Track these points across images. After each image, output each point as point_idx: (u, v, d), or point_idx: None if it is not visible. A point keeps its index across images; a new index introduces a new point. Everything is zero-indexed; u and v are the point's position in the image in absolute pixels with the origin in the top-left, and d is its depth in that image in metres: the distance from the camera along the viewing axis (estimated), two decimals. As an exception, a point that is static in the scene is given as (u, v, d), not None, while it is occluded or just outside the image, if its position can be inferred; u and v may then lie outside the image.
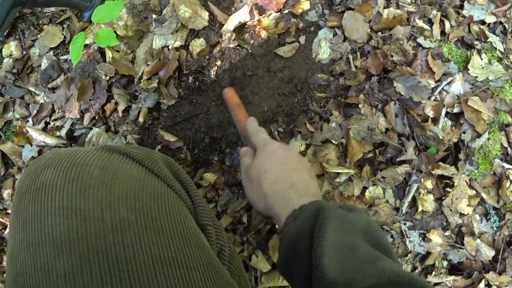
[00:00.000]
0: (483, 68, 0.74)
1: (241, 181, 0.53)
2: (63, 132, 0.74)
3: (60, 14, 0.81)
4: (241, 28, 0.73)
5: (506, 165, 0.72)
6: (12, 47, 0.80)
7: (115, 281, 0.30)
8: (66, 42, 0.79)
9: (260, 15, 0.72)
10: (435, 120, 0.70)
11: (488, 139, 0.72)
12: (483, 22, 0.79)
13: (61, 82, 0.76)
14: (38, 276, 0.30)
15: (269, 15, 0.72)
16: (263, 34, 0.72)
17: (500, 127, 0.73)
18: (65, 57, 0.79)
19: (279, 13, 0.73)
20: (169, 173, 0.42)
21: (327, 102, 0.71)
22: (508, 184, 0.72)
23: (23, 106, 0.78)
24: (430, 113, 0.69)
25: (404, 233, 0.69)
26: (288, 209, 0.41)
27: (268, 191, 0.45)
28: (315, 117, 0.70)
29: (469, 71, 0.73)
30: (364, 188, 0.68)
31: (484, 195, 0.72)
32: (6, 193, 0.76)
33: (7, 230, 0.75)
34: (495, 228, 0.72)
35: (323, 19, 0.75)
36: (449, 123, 0.71)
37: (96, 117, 0.73)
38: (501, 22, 0.79)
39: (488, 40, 0.76)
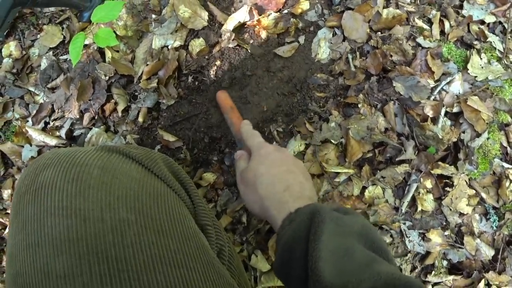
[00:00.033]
0: (482, 67, 0.74)
1: (237, 185, 0.53)
2: (62, 132, 0.74)
3: (60, 14, 0.81)
4: (240, 28, 0.73)
5: (506, 165, 0.72)
6: (11, 47, 0.80)
7: (114, 282, 0.30)
8: (65, 42, 0.79)
9: (260, 15, 0.72)
10: (435, 120, 0.70)
11: (488, 138, 0.72)
12: (482, 22, 0.79)
13: (61, 82, 0.76)
14: (37, 277, 0.30)
15: (269, 15, 0.72)
16: (263, 34, 0.72)
17: (499, 127, 0.73)
18: (64, 57, 0.79)
19: (278, 13, 0.73)
20: (169, 173, 0.42)
21: (326, 102, 0.71)
22: (507, 183, 0.72)
23: (23, 106, 0.78)
24: (429, 112, 0.69)
25: (404, 232, 0.69)
26: (284, 212, 0.41)
27: (264, 194, 0.45)
28: (315, 117, 0.70)
29: (468, 71, 0.73)
30: (364, 188, 0.68)
31: (483, 195, 0.72)
32: (5, 193, 0.76)
33: (7, 230, 0.75)
34: (494, 228, 0.72)
35: (323, 19, 0.75)
36: (449, 122, 0.71)
37: (96, 117, 0.73)
38: (500, 22, 0.79)
39: (487, 40, 0.76)
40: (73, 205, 0.32)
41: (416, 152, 0.69)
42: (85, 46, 0.76)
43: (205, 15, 0.73)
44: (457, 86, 0.72)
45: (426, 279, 0.70)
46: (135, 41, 0.75)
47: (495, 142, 0.72)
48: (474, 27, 0.77)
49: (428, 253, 0.70)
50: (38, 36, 0.80)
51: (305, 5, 0.73)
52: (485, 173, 0.72)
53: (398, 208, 0.69)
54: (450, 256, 0.70)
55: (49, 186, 0.34)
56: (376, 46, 0.72)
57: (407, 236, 0.69)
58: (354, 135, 0.67)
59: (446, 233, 0.71)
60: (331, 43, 0.73)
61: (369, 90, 0.70)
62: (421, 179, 0.69)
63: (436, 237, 0.69)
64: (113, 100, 0.73)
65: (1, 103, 0.78)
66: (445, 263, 0.71)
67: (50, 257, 0.30)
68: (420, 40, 0.74)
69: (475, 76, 0.73)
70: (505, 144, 0.73)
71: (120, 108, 0.72)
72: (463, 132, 0.71)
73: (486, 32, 0.77)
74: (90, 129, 0.73)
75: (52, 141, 0.73)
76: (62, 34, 0.79)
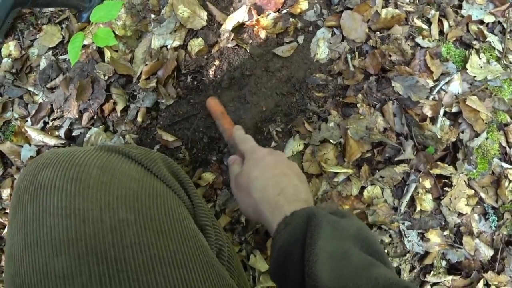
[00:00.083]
0: (481, 67, 0.74)
1: (231, 190, 0.53)
2: (61, 131, 0.74)
3: (59, 14, 0.81)
4: (239, 28, 0.73)
5: (505, 165, 0.72)
6: (11, 47, 0.80)
7: (114, 282, 0.30)
8: (65, 42, 0.79)
9: (259, 15, 0.72)
10: (433, 120, 0.70)
11: (487, 138, 0.72)
12: (481, 22, 0.79)
13: (60, 82, 0.76)
14: (36, 277, 0.30)
15: (268, 15, 0.72)
16: (262, 34, 0.72)
17: (498, 127, 0.73)
18: (64, 57, 0.79)
19: (277, 13, 0.73)
20: (168, 173, 0.42)
21: (325, 101, 0.71)
22: (506, 183, 0.72)
23: (22, 106, 0.78)
24: (428, 112, 0.69)
25: (403, 232, 0.69)
26: (279, 216, 0.41)
27: (258, 198, 0.45)
28: (313, 117, 0.70)
29: (467, 71, 0.73)
30: (363, 188, 0.68)
31: (482, 195, 0.72)
32: (4, 192, 0.76)
33: (5, 229, 0.75)
34: (493, 228, 0.72)
35: (322, 19, 0.75)
36: (448, 122, 0.71)
37: (95, 117, 0.73)
38: (499, 22, 0.79)
39: (486, 39, 0.76)
40: (72, 205, 0.32)
41: (415, 152, 0.69)
42: (84, 46, 0.76)
43: (204, 15, 0.73)
44: (456, 86, 0.72)
45: (425, 279, 0.70)
46: (134, 41, 0.76)
47: (494, 142, 0.72)
48: (473, 27, 0.77)
49: (427, 253, 0.70)
50: (38, 36, 0.80)
51: (304, 5, 0.73)
52: (484, 173, 0.72)
53: (397, 208, 0.69)
54: (449, 256, 0.70)
55: (48, 186, 0.33)
56: (375, 46, 0.72)
57: (406, 236, 0.69)
58: (353, 135, 0.67)
59: (445, 233, 0.71)
60: (330, 43, 0.73)
61: (368, 90, 0.70)
62: (420, 179, 0.69)
63: (435, 237, 0.69)
64: (112, 100, 0.73)
65: (1, 103, 0.78)
66: (444, 263, 0.71)
67: (49, 257, 0.30)
68: (419, 40, 0.74)
69: (474, 76, 0.73)
70: (504, 144, 0.73)
71: (119, 108, 0.72)
72: (462, 132, 0.71)
73: (485, 32, 0.77)
74: (89, 129, 0.73)
75: (51, 141, 0.73)
76: (61, 34, 0.79)
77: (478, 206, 0.72)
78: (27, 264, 0.31)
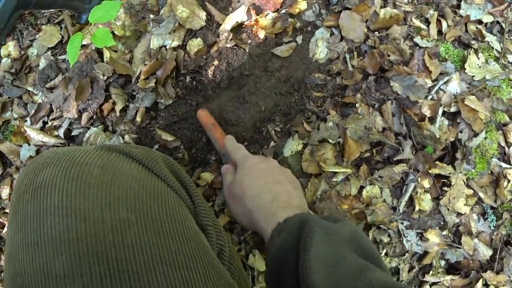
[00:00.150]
0: (480, 67, 0.74)
1: (225, 199, 0.53)
2: (61, 131, 0.74)
3: (58, 15, 0.81)
4: (238, 28, 0.73)
5: (504, 165, 0.72)
6: (10, 47, 0.80)
7: (115, 282, 0.30)
8: (64, 42, 0.79)
9: (258, 15, 0.72)
10: (432, 119, 0.70)
11: (485, 138, 0.72)
12: (480, 22, 0.79)
13: (59, 82, 0.76)
14: (37, 276, 0.30)
15: (267, 15, 0.72)
16: (261, 34, 0.73)
17: (497, 126, 0.73)
18: (63, 57, 0.79)
19: (276, 13, 0.73)
20: (169, 172, 0.42)
21: (324, 101, 0.71)
22: (505, 183, 0.72)
23: (21, 106, 0.78)
24: (427, 112, 0.70)
25: (401, 232, 0.69)
26: (273, 223, 0.41)
27: (251, 206, 0.45)
28: (312, 117, 0.70)
29: (466, 71, 0.73)
30: (361, 188, 0.68)
31: (481, 195, 0.72)
32: (4, 192, 0.76)
33: (5, 229, 0.75)
34: (492, 228, 0.72)
35: (320, 18, 0.75)
36: (446, 122, 0.71)
37: (94, 117, 0.73)
38: (498, 22, 0.79)
39: (485, 39, 0.76)
40: (73, 205, 0.32)
41: (414, 151, 0.69)
42: (84, 46, 0.76)
43: (203, 15, 0.73)
44: (455, 85, 0.72)
45: (424, 279, 0.70)
46: (133, 41, 0.76)
47: (493, 142, 0.72)
48: (472, 27, 0.78)
49: (426, 253, 0.70)
50: (37, 36, 0.80)
51: (302, 5, 0.74)
52: (483, 172, 0.72)
53: (395, 208, 0.69)
54: (448, 256, 0.70)
55: (48, 186, 0.33)
56: (374, 45, 0.72)
57: (405, 236, 0.69)
58: (351, 135, 0.67)
59: (444, 233, 0.71)
60: (329, 43, 0.73)
61: (367, 89, 0.70)
62: (419, 179, 0.69)
63: (434, 237, 0.69)
64: (111, 100, 0.73)
65: (0, 103, 0.78)
66: (443, 263, 0.71)
67: (49, 257, 0.30)
68: (417, 39, 0.74)
69: (473, 76, 0.73)
70: (502, 143, 0.73)
71: (118, 107, 0.72)
72: (461, 132, 0.71)
73: (484, 31, 0.77)
74: (88, 128, 0.73)
75: (51, 141, 0.74)
76: (61, 34, 0.79)
77: (477, 206, 0.72)
78: (27, 264, 0.31)
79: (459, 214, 0.71)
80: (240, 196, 0.47)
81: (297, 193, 0.47)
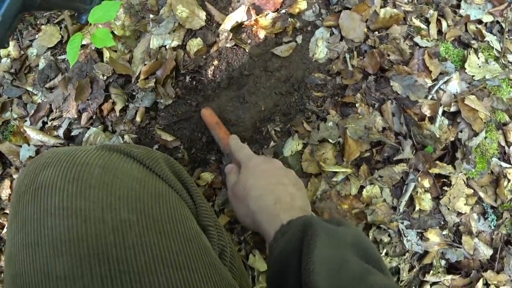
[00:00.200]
0: (480, 67, 0.74)
1: (229, 199, 0.53)
2: (60, 131, 0.74)
3: (58, 15, 0.81)
4: (238, 28, 0.73)
5: (504, 164, 0.72)
6: (10, 47, 0.80)
7: (116, 283, 0.29)
8: (63, 42, 0.79)
9: (257, 14, 0.72)
10: (432, 119, 0.70)
11: (485, 138, 0.72)
12: (480, 22, 0.79)
13: (59, 82, 0.76)
14: (37, 277, 0.30)
15: (266, 14, 0.72)
16: (260, 33, 0.73)
17: (497, 126, 0.73)
18: (62, 57, 0.79)
19: (276, 12, 0.73)
20: (170, 173, 0.42)
21: (324, 101, 0.71)
22: (505, 183, 0.72)
23: (21, 106, 0.78)
24: (427, 112, 0.69)
25: (402, 232, 0.69)
26: (276, 225, 0.41)
27: (254, 208, 0.45)
28: (312, 116, 0.70)
29: (466, 70, 0.73)
30: (361, 187, 0.68)
31: (481, 194, 0.72)
32: (3, 192, 0.76)
33: (5, 230, 0.75)
34: (492, 227, 0.72)
35: (320, 18, 0.75)
36: (446, 122, 0.71)
37: (94, 117, 0.73)
38: (498, 22, 0.79)
39: (485, 39, 0.77)
40: (74, 205, 0.32)
41: (414, 151, 0.69)
42: (83, 46, 0.76)
43: (202, 15, 0.73)
44: (455, 85, 0.72)
45: (424, 279, 0.69)
46: (133, 41, 0.76)
47: (493, 142, 0.72)
48: (472, 27, 0.78)
49: (426, 252, 0.70)
50: (36, 36, 0.80)
51: (302, 5, 0.74)
52: (483, 172, 0.72)
53: (396, 208, 0.69)
54: (448, 256, 0.70)
55: (49, 186, 0.33)
56: (374, 45, 0.72)
57: (405, 236, 0.69)
58: (351, 135, 0.67)
59: (444, 232, 0.71)
60: (329, 42, 0.73)
61: (367, 89, 0.70)
62: (419, 179, 0.69)
63: (434, 237, 0.69)
64: (111, 100, 0.73)
65: (0, 103, 0.78)
66: (443, 262, 0.71)
67: (50, 258, 0.30)
68: (417, 39, 0.74)
69: (473, 76, 0.73)
70: (503, 143, 0.73)
71: (118, 107, 0.72)
72: (461, 131, 0.71)
73: (484, 31, 0.77)
74: (88, 128, 0.73)
75: (50, 141, 0.73)
76: (60, 34, 0.79)
77: (477, 206, 0.72)
78: (27, 264, 0.31)
79: (459, 214, 0.71)
80: (243, 197, 0.47)
81: (300, 195, 0.47)
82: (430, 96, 0.71)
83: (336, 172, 0.68)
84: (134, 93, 0.73)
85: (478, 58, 0.75)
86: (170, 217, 0.36)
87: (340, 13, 0.73)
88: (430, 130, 0.68)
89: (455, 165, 0.69)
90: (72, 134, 0.74)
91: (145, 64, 0.72)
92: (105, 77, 0.73)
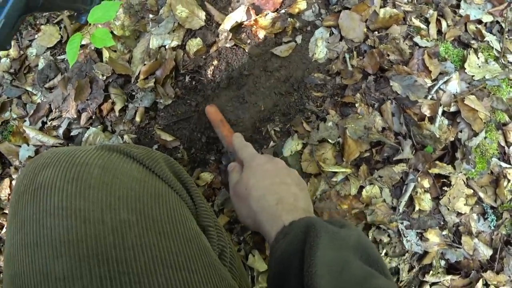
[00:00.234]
0: (479, 67, 0.74)
1: (231, 198, 0.53)
2: (60, 131, 0.74)
3: (57, 15, 0.81)
4: (238, 28, 0.73)
5: (504, 164, 0.72)
6: (9, 47, 0.80)
7: (115, 284, 0.29)
8: (63, 42, 0.79)
9: (257, 14, 0.72)
10: (432, 119, 0.70)
11: (485, 138, 0.72)
12: (479, 22, 0.79)
13: (58, 82, 0.76)
14: (36, 278, 0.29)
15: (266, 14, 0.72)
16: (260, 33, 0.72)
17: (497, 126, 0.73)
18: (62, 57, 0.79)
19: (275, 12, 0.73)
20: (170, 173, 0.41)
21: (323, 101, 0.71)
22: (505, 183, 0.71)
23: (20, 106, 0.78)
24: (426, 112, 0.69)
25: (401, 232, 0.69)
26: (278, 226, 0.41)
27: (256, 208, 0.44)
28: (312, 116, 0.70)
29: (465, 70, 0.73)
30: (361, 187, 0.68)
31: (481, 194, 0.71)
32: (3, 193, 0.76)
33: (4, 230, 0.75)
34: (492, 227, 0.72)
35: (320, 18, 0.75)
36: (446, 122, 0.71)
37: (93, 117, 0.73)
38: (498, 22, 0.79)
39: (484, 39, 0.76)
40: (73, 206, 0.31)
41: (414, 151, 0.69)
42: (83, 46, 0.76)
43: (202, 15, 0.73)
44: (454, 85, 0.72)
45: (424, 279, 0.69)
46: (132, 41, 0.76)
47: (493, 142, 0.72)
48: (471, 27, 0.77)
49: (426, 252, 0.70)
50: (36, 36, 0.80)
51: (302, 5, 0.74)
52: (482, 172, 0.72)
53: (395, 208, 0.69)
54: (448, 256, 0.70)
55: (48, 186, 0.33)
56: (373, 45, 0.72)
57: (404, 236, 0.69)
58: (351, 135, 0.67)
59: (444, 232, 0.71)
60: (328, 42, 0.73)
61: (366, 89, 0.70)
62: (419, 179, 0.69)
63: (434, 237, 0.69)
64: (110, 100, 0.73)
65: (-1, 103, 0.78)
66: (443, 263, 0.71)
67: (49, 259, 0.30)
68: (417, 39, 0.74)
69: (472, 76, 0.73)
70: (502, 143, 0.73)
71: (118, 107, 0.72)
72: (461, 131, 0.71)
73: (483, 31, 0.77)
74: (88, 128, 0.73)
75: (50, 141, 0.73)
76: (60, 34, 0.79)
77: (477, 206, 0.72)
78: (26, 265, 0.30)
79: (459, 214, 0.71)
80: (245, 196, 0.47)
81: (303, 196, 0.47)
82: (429, 96, 0.71)
83: (335, 172, 0.67)
84: (133, 93, 0.73)
85: (478, 58, 0.75)
86: (169, 217, 0.36)
87: (339, 13, 0.73)
88: (429, 130, 0.68)
89: (455, 165, 0.69)
90: (72, 134, 0.74)
91: (144, 64, 0.72)
92: (104, 77, 0.73)
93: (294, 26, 0.74)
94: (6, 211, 0.76)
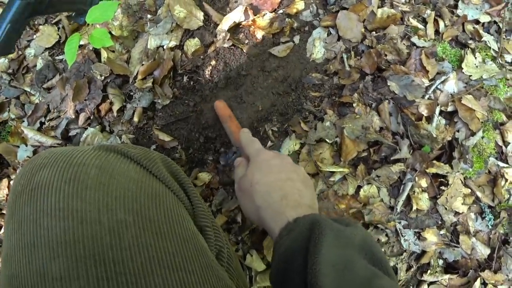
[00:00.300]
0: (477, 67, 0.74)
1: (235, 193, 0.53)
2: (58, 132, 0.74)
3: (56, 15, 0.81)
4: (235, 28, 0.73)
5: (501, 164, 0.72)
6: (7, 48, 0.80)
7: (112, 285, 0.29)
8: (61, 42, 0.79)
9: (255, 15, 0.72)
10: (429, 119, 0.70)
11: (482, 137, 0.72)
12: (477, 22, 0.79)
13: (56, 82, 0.76)
14: (33, 279, 0.30)
15: (264, 15, 0.72)
16: (258, 34, 0.73)
17: (494, 126, 0.73)
18: (60, 57, 0.79)
19: (273, 13, 0.73)
20: (168, 173, 0.41)
21: (321, 101, 0.71)
22: (503, 182, 0.72)
23: (19, 106, 0.78)
24: (424, 111, 0.70)
25: (399, 231, 0.69)
26: (282, 222, 0.40)
27: (260, 203, 0.44)
28: (310, 116, 0.70)
29: (463, 70, 0.73)
30: (359, 187, 0.68)
31: (479, 194, 0.72)
32: (1, 193, 0.76)
33: (1, 230, 0.75)
34: (490, 227, 0.72)
35: (318, 18, 0.75)
36: (443, 121, 0.71)
37: (91, 117, 0.73)
38: (495, 22, 0.80)
39: (482, 39, 0.77)
40: (70, 206, 0.31)
41: (411, 151, 0.69)
42: (81, 46, 0.76)
43: (200, 15, 0.73)
44: (452, 85, 0.72)
45: (422, 278, 0.70)
46: (130, 41, 0.76)
47: (490, 141, 0.72)
48: (469, 27, 0.78)
49: (423, 252, 0.70)
50: (34, 36, 0.80)
51: (300, 5, 0.74)
52: (480, 172, 0.72)
53: (393, 207, 0.69)
54: (446, 255, 0.70)
55: (45, 187, 0.33)
56: (371, 45, 0.72)
57: (402, 235, 0.69)
58: (349, 134, 0.67)
59: (442, 232, 0.71)
60: (326, 42, 0.73)
61: (364, 89, 0.70)
62: (416, 178, 0.69)
63: (431, 236, 0.69)
64: (108, 100, 0.73)
65: (-3, 104, 0.78)
66: (441, 262, 0.71)
67: (46, 259, 0.30)
68: (414, 39, 0.74)
69: (470, 75, 0.73)
70: (500, 143, 0.73)
71: (116, 108, 0.72)
72: (458, 131, 0.71)
73: (481, 31, 0.77)
74: (86, 129, 0.73)
75: (48, 141, 0.73)
76: (58, 34, 0.79)
77: (475, 205, 0.72)
78: (23, 265, 0.30)
79: (456, 213, 0.71)
80: (249, 192, 0.46)
81: (308, 193, 0.46)
82: (427, 96, 0.71)
83: (333, 172, 0.68)
84: (131, 93, 0.73)
85: (475, 58, 0.75)
86: (166, 218, 0.36)
87: (337, 13, 0.73)
88: (427, 129, 0.68)
89: (452, 165, 0.69)
90: (70, 134, 0.74)
91: (142, 64, 0.72)
92: (102, 77, 0.73)
93: (292, 26, 0.74)
94: (4, 212, 0.76)
